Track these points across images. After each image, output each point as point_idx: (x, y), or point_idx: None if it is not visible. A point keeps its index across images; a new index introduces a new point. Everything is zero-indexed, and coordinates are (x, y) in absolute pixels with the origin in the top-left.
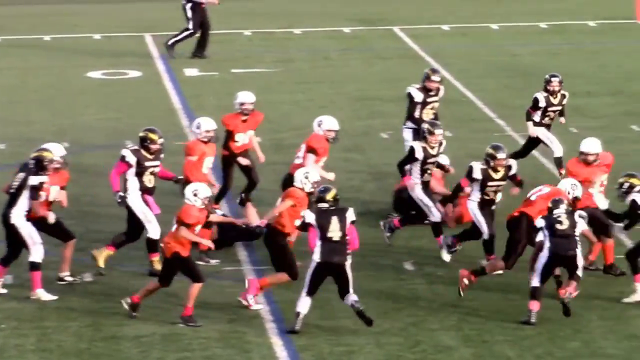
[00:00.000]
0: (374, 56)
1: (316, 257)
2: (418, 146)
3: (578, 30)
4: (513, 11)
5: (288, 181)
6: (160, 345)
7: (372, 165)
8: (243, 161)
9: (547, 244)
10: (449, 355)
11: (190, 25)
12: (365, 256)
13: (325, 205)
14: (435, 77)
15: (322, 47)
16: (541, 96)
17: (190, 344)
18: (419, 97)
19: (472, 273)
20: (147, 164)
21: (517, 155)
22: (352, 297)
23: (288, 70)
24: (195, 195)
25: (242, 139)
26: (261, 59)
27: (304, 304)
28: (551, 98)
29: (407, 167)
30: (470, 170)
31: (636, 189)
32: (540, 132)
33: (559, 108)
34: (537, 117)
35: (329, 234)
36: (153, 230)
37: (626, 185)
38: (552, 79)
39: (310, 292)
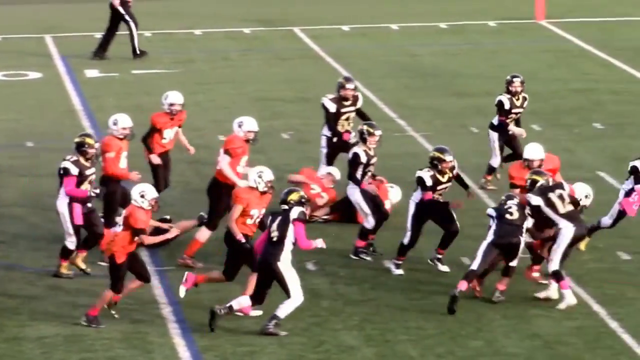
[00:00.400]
0: (274, 57)
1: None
2: (360, 150)
3: (477, 31)
4: (413, 12)
5: (213, 185)
6: (63, 346)
7: (273, 166)
8: (155, 159)
9: (493, 228)
10: (352, 355)
11: (131, 23)
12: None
13: (285, 207)
14: (349, 85)
15: (223, 47)
16: (505, 98)
17: (93, 345)
18: (332, 107)
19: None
20: (87, 172)
21: (513, 158)
22: (277, 310)
23: (188, 71)
24: (142, 196)
25: (170, 135)
26: (161, 59)
27: (239, 302)
28: (514, 100)
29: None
30: (422, 182)
31: (538, 184)
32: (492, 136)
33: (521, 110)
34: (496, 120)
35: (271, 234)
36: (71, 243)
37: (529, 182)
38: (514, 79)
39: (253, 295)
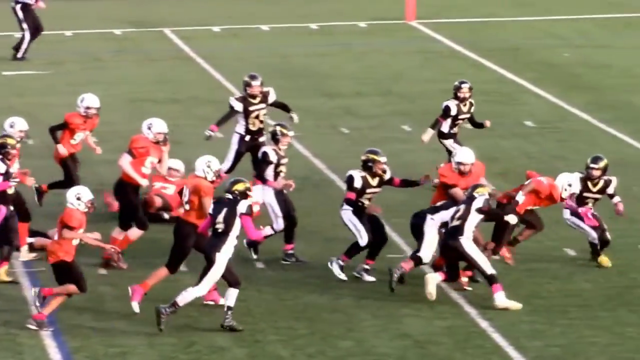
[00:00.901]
0: (145, 58)
1: None
2: (269, 150)
3: (348, 31)
4: (283, 12)
5: (119, 186)
6: None
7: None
8: (61, 149)
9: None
10: (222, 356)
11: (25, 27)
12: (137, 257)
13: (229, 196)
14: (254, 83)
15: (94, 49)
16: (452, 104)
17: None
18: (238, 106)
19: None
20: (11, 170)
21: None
22: (177, 296)
23: (59, 72)
24: (78, 198)
25: (80, 137)
26: (32, 61)
27: (231, 297)
28: (461, 106)
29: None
30: (351, 181)
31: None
32: (447, 144)
33: (467, 116)
34: (445, 126)
35: (216, 225)
36: None
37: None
38: (462, 85)
39: (230, 284)
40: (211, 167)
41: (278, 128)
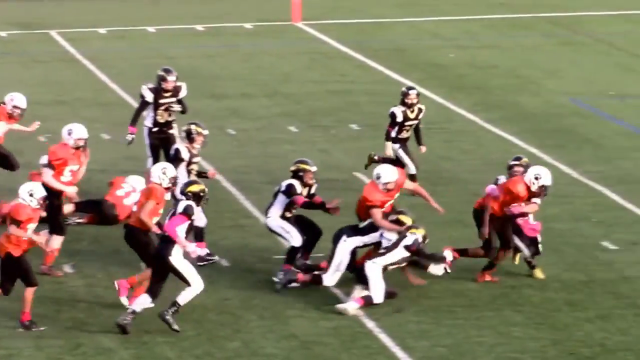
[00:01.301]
0: (31, 60)
1: None
2: (182, 147)
3: (234, 33)
4: (170, 14)
5: None
6: None
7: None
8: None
9: None
10: (109, 357)
11: None
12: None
13: (183, 197)
14: (170, 78)
15: None
16: (398, 111)
17: None
18: (149, 96)
19: (455, 250)
20: None
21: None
22: (177, 297)
23: None
24: (31, 195)
25: (2, 130)
26: None
27: (140, 302)
28: (408, 112)
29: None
30: (293, 188)
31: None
32: (396, 148)
33: (416, 122)
34: (393, 132)
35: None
36: None
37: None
38: (410, 91)
39: (149, 290)
40: (166, 174)
41: (193, 127)
